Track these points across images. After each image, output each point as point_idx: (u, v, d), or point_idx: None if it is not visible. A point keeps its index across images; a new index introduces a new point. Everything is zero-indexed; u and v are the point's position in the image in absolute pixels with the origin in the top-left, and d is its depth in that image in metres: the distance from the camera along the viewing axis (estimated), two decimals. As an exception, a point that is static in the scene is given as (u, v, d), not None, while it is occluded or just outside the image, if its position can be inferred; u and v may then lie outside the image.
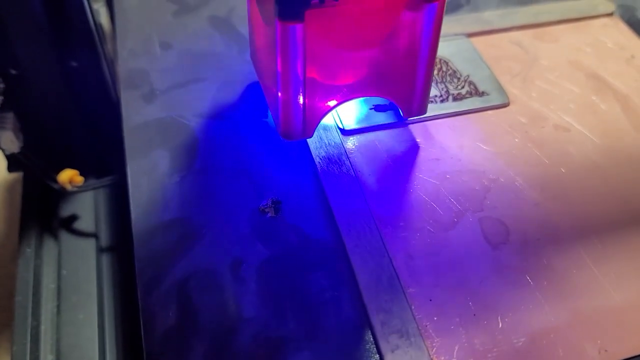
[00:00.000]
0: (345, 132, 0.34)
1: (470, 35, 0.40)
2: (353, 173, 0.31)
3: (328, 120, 0.34)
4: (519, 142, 0.34)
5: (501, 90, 0.36)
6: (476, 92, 0.36)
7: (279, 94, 0.29)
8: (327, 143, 0.33)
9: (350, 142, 0.33)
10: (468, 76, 0.37)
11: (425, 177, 0.32)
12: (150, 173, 0.31)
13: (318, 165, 0.32)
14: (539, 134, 0.34)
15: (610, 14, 0.42)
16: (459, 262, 0.28)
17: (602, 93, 0.36)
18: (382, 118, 0.34)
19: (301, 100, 0.29)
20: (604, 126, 0.34)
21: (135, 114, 0.34)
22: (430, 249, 0.29)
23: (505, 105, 0.35)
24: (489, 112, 0.35)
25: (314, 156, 0.32)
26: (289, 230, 0.29)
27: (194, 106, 0.35)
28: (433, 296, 0.27)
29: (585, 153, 0.33)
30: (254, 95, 0.36)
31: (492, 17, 0.41)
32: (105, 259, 0.41)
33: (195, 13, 0.41)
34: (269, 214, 0.30)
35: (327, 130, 0.33)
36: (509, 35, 0.40)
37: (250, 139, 0.33)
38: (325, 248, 0.29)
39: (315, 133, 0.33)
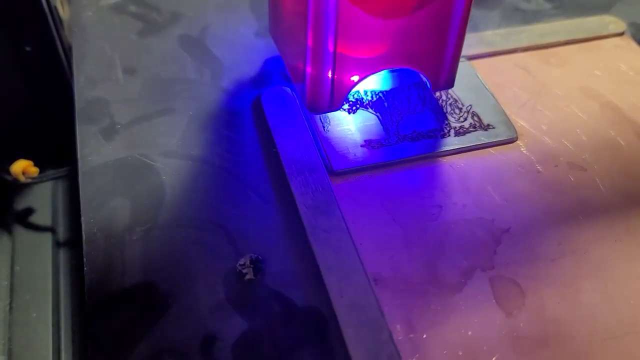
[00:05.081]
0: (335, 174, 0.29)
1: (471, 58, 0.36)
2: (344, 225, 0.27)
3: (315, 160, 0.30)
4: (530, 184, 0.30)
5: (508, 122, 0.32)
6: (480, 125, 0.32)
7: (308, 68, 0.28)
8: (314, 188, 0.29)
9: (341, 186, 0.29)
10: (471, 106, 0.33)
11: (427, 228, 0.28)
12: (108, 227, 0.27)
13: (304, 216, 0.27)
14: (552, 174, 0.30)
15: (621, 34, 0.38)
16: (469, 334, 0.24)
17: (619, 126, 0.33)
18: (375, 156, 0.30)
19: (330, 74, 0.28)
20: (623, 165, 0.31)
21: (92, 153, 0.30)
22: (435, 317, 0.25)
23: (513, 140, 0.32)
24: (496, 148, 0.31)
25: (299, 205, 0.28)
26: (271, 297, 0.25)
27: (160, 143, 0.30)
28: (441, 379, 0.23)
29: (605, 197, 0.29)
30: (230, 130, 0.31)
31: (494, 37, 0.37)
32: (63, 254, 0.38)
33: (164, 32, 0.37)
34: (248, 276, 0.26)
35: (313, 171, 0.29)
36: (513, 58, 0.36)
37: (226, 183, 0.29)
38: (313, 319, 0.25)
39: (301, 175, 0.29)
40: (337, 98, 0.29)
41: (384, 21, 0.28)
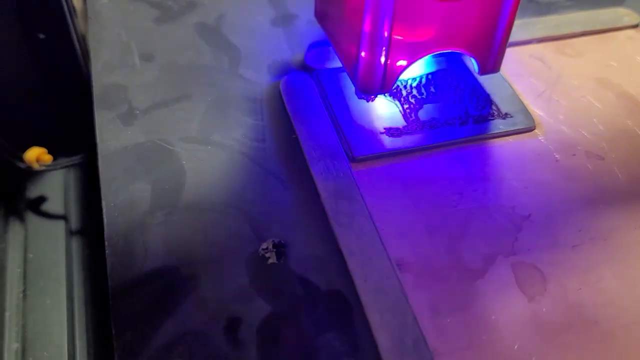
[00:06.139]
0: (355, 160, 0.29)
1: (488, 48, 0.36)
2: (366, 210, 0.27)
3: (336, 146, 0.30)
4: (549, 172, 0.30)
5: (526, 111, 0.32)
6: (499, 114, 0.32)
7: (362, 53, 0.28)
8: (335, 174, 0.29)
9: (362, 172, 0.29)
10: (489, 95, 0.33)
11: (448, 214, 0.28)
12: (129, 211, 0.27)
13: (326, 202, 0.27)
14: (571, 162, 0.30)
15: (635, 26, 0.38)
16: (492, 318, 0.24)
17: (636, 115, 0.33)
18: (395, 143, 0.30)
19: (383, 59, 0.28)
20: (641, 154, 0.31)
21: (111, 138, 0.30)
22: (458, 302, 0.25)
23: (531, 129, 0.32)
24: (514, 136, 0.31)
25: (320, 190, 0.28)
26: (295, 280, 0.25)
27: (179, 129, 0.30)
28: (466, 362, 0.23)
29: (623, 185, 0.30)
30: (248, 117, 0.31)
31: (510, 28, 0.37)
32: (75, 242, 0.38)
33: (180, 20, 0.37)
34: (270, 260, 0.26)
35: (334, 158, 0.29)
36: (529, 49, 0.37)
37: (247, 168, 0.29)
38: (337, 302, 0.25)
39: (322, 161, 0.29)
40: (389, 81, 0.29)
41: (438, 5, 0.28)
